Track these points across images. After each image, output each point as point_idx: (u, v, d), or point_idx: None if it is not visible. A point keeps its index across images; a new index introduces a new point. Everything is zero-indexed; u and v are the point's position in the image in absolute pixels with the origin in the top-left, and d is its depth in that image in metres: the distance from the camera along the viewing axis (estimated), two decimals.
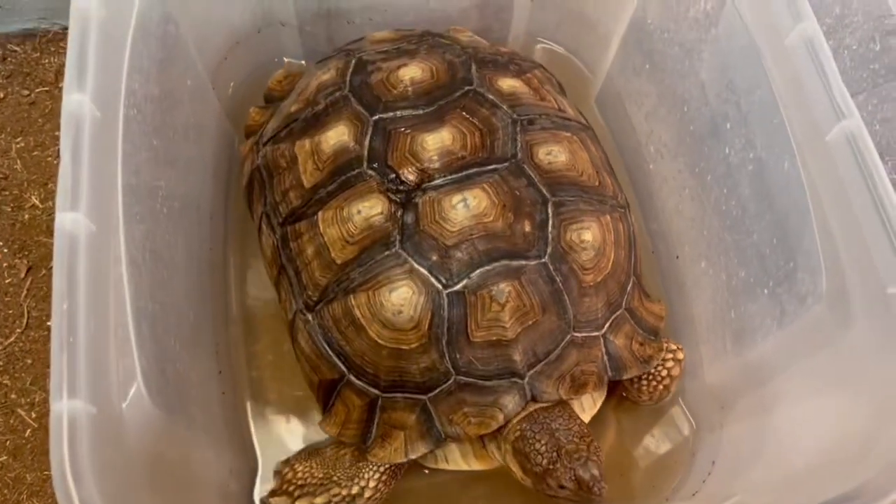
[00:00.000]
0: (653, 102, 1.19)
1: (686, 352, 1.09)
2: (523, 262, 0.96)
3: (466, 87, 1.06)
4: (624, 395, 1.14)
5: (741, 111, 0.97)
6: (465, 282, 0.95)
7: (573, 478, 0.91)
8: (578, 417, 1.00)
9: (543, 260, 0.97)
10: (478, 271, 0.95)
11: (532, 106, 1.08)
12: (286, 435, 1.12)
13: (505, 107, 1.06)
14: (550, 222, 0.98)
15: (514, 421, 0.96)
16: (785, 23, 0.87)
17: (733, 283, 1.01)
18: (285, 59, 1.37)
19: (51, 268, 0.67)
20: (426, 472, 1.09)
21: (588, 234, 0.99)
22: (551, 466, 0.92)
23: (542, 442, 0.94)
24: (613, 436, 1.16)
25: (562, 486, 0.91)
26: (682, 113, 1.11)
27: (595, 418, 1.11)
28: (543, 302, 0.96)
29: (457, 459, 1.05)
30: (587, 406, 1.08)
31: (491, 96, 1.06)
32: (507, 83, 1.09)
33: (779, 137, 0.89)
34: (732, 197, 1.00)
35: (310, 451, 1.08)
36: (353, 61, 1.12)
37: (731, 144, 0.99)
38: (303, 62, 1.38)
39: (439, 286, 0.95)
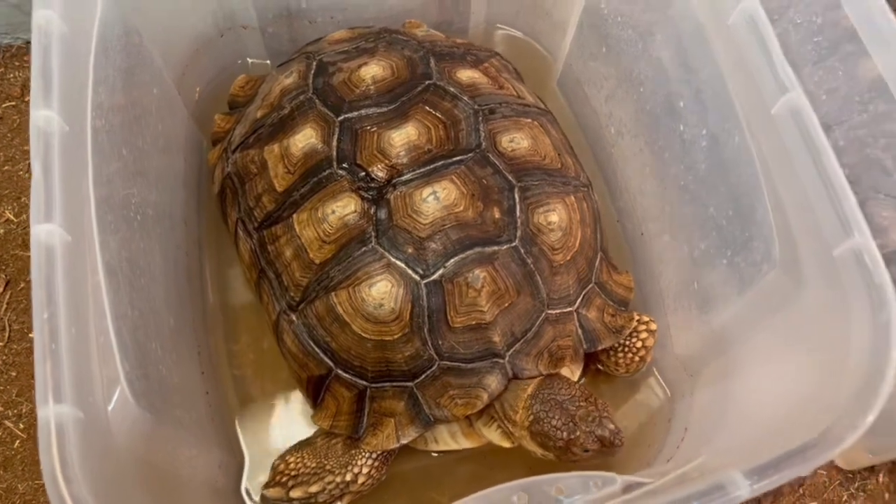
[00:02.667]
0: (611, 84, 1.23)
1: (658, 323, 1.14)
2: (495, 248, 1.00)
3: (427, 82, 1.09)
4: (601, 368, 1.18)
5: (693, 89, 1.01)
6: (441, 271, 0.98)
7: (595, 439, 0.95)
8: (574, 382, 1.04)
9: (514, 244, 1.01)
10: (452, 260, 0.98)
11: (492, 95, 1.11)
12: (271, 428, 1.15)
13: (466, 98, 1.08)
14: (518, 207, 1.02)
15: (522, 408, 0.99)
16: (728, 2, 0.91)
17: (695, 255, 1.05)
18: (249, 61, 1.38)
19: (29, 280, 0.68)
20: (413, 455, 1.13)
21: (554, 215, 1.03)
22: (572, 436, 0.96)
23: (557, 417, 0.97)
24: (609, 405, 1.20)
25: (586, 450, 0.95)
26: (638, 94, 1.15)
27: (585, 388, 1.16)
28: (517, 284, 1.00)
29: (446, 440, 1.09)
30: (567, 375, 1.12)
31: (451, 89, 1.09)
32: (466, 74, 1.12)
33: (728, 113, 0.93)
34: (689, 172, 1.05)
35: (300, 443, 1.11)
36: (315, 63, 1.14)
37: (686, 122, 1.04)
38: (267, 62, 1.39)
39: (417, 277, 0.98)
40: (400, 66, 1.11)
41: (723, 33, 0.93)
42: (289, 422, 1.16)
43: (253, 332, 1.21)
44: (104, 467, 0.69)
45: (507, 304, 1.00)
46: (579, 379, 1.15)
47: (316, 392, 1.07)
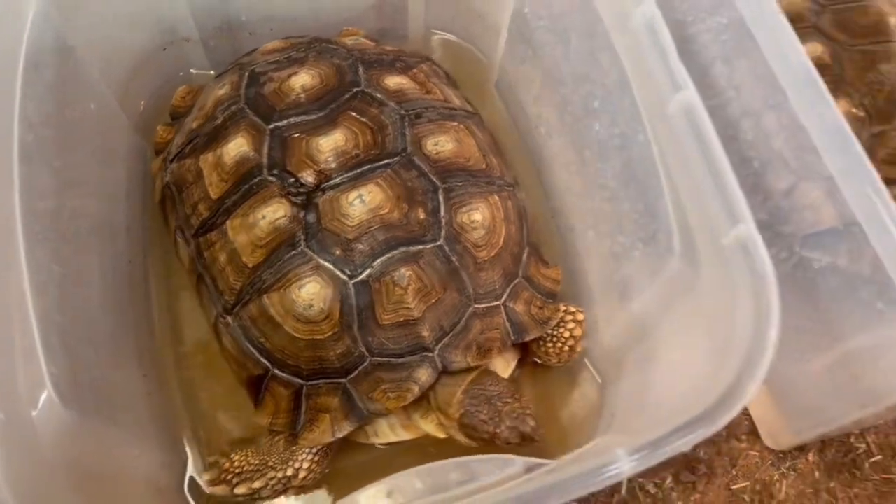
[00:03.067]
0: (538, 87, 1.28)
1: (587, 314, 1.19)
2: (420, 247, 1.04)
3: (355, 89, 1.13)
4: (537, 360, 1.23)
5: (605, 90, 1.06)
6: (368, 271, 1.02)
7: (518, 434, 1.02)
8: (504, 380, 1.11)
9: (439, 243, 1.05)
10: (379, 260, 1.03)
11: (418, 100, 1.15)
12: (219, 428, 1.19)
13: (392, 104, 1.13)
14: (442, 208, 1.07)
15: (455, 401, 1.05)
16: (628, 6, 0.96)
17: (615, 249, 1.10)
18: (193, 72, 1.42)
19: None
20: (357, 449, 1.17)
21: (477, 214, 1.08)
22: (497, 430, 1.03)
23: (485, 412, 1.04)
24: (532, 400, 1.25)
25: (508, 443, 1.02)
26: (560, 95, 1.20)
27: (513, 384, 1.21)
28: (443, 280, 1.05)
29: (386, 432, 1.14)
30: (501, 369, 1.17)
31: (379, 95, 1.13)
32: (394, 81, 1.16)
33: (633, 112, 0.98)
34: (606, 170, 1.10)
35: (246, 441, 1.15)
36: (247, 74, 1.18)
37: (601, 121, 1.09)
38: (211, 73, 1.43)
39: (345, 278, 1.02)
40: (329, 75, 1.15)
41: (626, 35, 0.98)
42: (235, 421, 1.20)
43: (201, 335, 1.24)
44: (29, 470, 0.72)
45: (433, 301, 1.04)
46: (515, 371, 1.20)
47: (256, 391, 1.11)
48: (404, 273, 1.02)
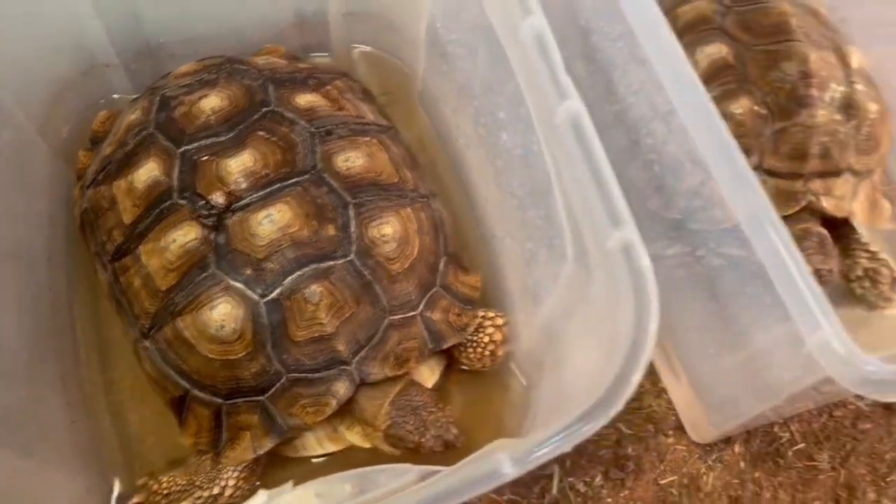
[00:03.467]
0: (455, 99, 1.30)
1: (510, 319, 1.21)
2: (331, 263, 1.06)
3: (265, 109, 1.15)
4: (463, 367, 1.25)
5: (507, 101, 1.08)
6: (279, 290, 1.04)
7: (442, 442, 1.06)
8: (429, 390, 1.14)
9: (350, 258, 1.07)
10: (290, 278, 1.04)
11: (330, 117, 1.17)
12: (149, 450, 1.20)
13: (303, 122, 1.14)
14: (353, 223, 1.08)
15: (382, 413, 1.08)
16: (517, 18, 0.98)
17: (526, 255, 1.13)
18: (115, 97, 1.42)
19: None
20: (289, 463, 1.18)
21: (388, 227, 1.10)
22: (423, 439, 1.07)
23: (410, 422, 1.08)
24: (461, 405, 1.27)
25: (433, 451, 1.05)
26: (473, 107, 1.22)
27: (444, 391, 1.23)
28: (356, 295, 1.07)
29: (313, 445, 1.15)
30: (426, 378, 1.19)
31: (289, 114, 1.15)
32: (305, 99, 1.18)
33: (529, 123, 1.00)
34: (514, 179, 1.12)
35: (176, 463, 1.16)
36: (157, 99, 1.19)
37: (507, 131, 1.11)
38: (135, 96, 1.43)
39: (256, 297, 1.04)
40: (239, 96, 1.16)
41: (516, 47, 1.00)
42: (165, 442, 1.20)
43: (129, 358, 1.24)
44: None
45: (347, 315, 1.06)
46: (440, 379, 1.22)
47: (179, 412, 1.12)
48: (315, 289, 1.04)
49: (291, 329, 1.04)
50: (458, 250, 1.26)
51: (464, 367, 1.26)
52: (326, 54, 1.52)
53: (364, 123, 1.20)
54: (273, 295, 1.04)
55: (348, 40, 1.49)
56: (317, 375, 1.06)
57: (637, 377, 0.79)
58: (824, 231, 1.18)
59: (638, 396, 1.34)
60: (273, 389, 1.06)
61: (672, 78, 0.96)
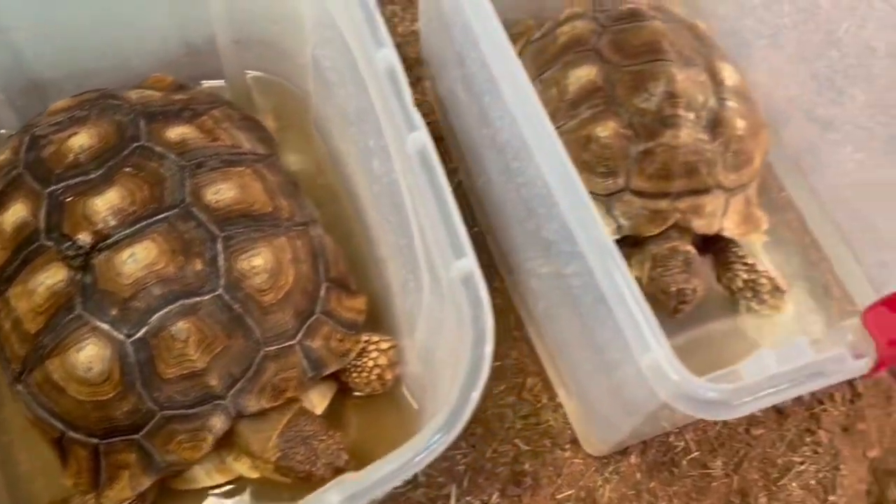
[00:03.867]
0: (340, 124, 1.31)
1: (397, 343, 1.22)
2: (198, 299, 1.06)
3: (134, 145, 1.14)
4: (356, 392, 1.25)
5: (372, 129, 1.09)
6: (145, 328, 1.04)
7: (333, 470, 1.08)
8: (318, 417, 1.15)
9: (218, 292, 1.07)
10: (156, 316, 1.04)
11: (201, 149, 1.17)
12: (40, 491, 1.19)
13: (173, 156, 1.14)
14: (221, 256, 1.08)
15: (270, 445, 1.09)
16: (371, 50, 0.99)
17: (402, 281, 1.14)
18: (2, 132, 1.41)
19: None
20: (183, 497, 1.18)
21: (259, 259, 1.09)
22: (313, 469, 1.08)
23: (301, 452, 1.09)
24: (357, 429, 1.28)
25: (323, 479, 1.05)
26: (351, 134, 1.23)
27: (340, 415, 1.24)
28: (226, 329, 1.06)
29: (202, 478, 1.15)
30: (316, 404, 1.20)
31: (159, 148, 1.15)
32: (177, 132, 1.17)
33: (388, 151, 1.01)
34: (385, 206, 1.13)
35: (61, 502, 1.15)
36: (27, 138, 1.18)
37: (377, 158, 1.12)
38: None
39: (122, 337, 1.03)
40: (109, 133, 1.16)
41: (373, 78, 1.01)
42: (54, 482, 1.19)
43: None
44: None
45: (219, 350, 1.06)
46: (339, 402, 1.22)
47: (60, 453, 1.11)
48: (182, 326, 1.04)
49: (160, 367, 1.04)
50: (348, 273, 1.26)
51: (354, 392, 1.26)
52: (222, 81, 1.51)
53: (239, 153, 1.20)
54: (139, 334, 1.03)
55: (241, 66, 1.49)
56: (191, 411, 1.06)
57: (462, 422, 0.80)
58: (692, 249, 1.19)
59: (535, 412, 1.35)
60: (148, 427, 1.06)
61: (515, 103, 0.98)
